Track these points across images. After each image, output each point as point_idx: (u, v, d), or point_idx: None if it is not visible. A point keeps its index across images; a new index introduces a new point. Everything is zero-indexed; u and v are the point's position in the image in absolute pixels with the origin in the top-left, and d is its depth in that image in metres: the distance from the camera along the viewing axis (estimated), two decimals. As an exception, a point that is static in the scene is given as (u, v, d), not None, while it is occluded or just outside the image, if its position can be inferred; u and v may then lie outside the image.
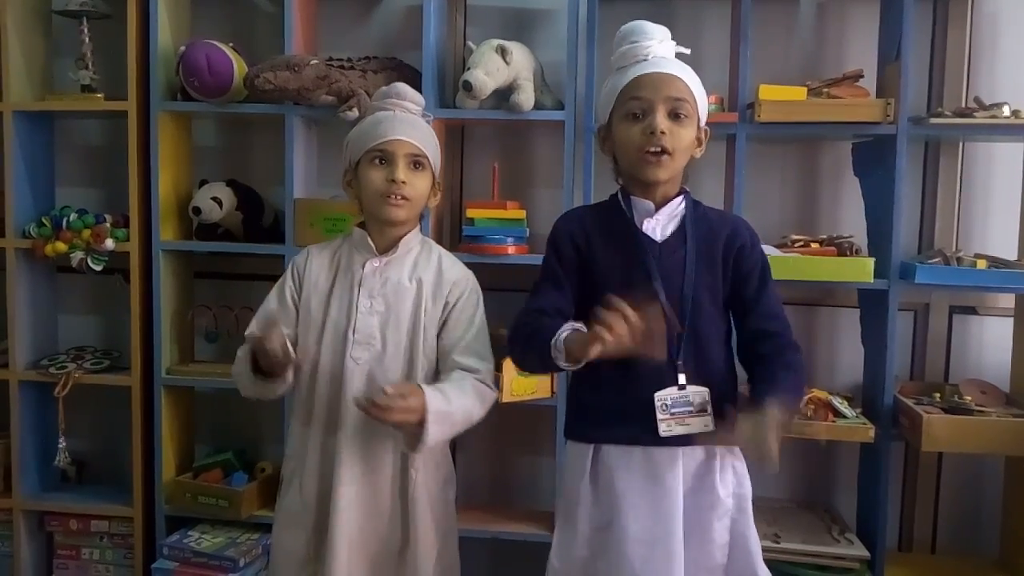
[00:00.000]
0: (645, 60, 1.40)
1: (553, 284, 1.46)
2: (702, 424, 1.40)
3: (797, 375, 1.40)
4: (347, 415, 1.55)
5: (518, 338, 1.43)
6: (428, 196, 1.63)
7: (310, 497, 1.59)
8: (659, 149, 1.36)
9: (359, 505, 1.56)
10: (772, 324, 1.43)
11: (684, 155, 1.41)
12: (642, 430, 1.39)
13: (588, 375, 1.42)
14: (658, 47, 1.41)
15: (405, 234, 1.62)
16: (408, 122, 1.59)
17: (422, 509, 1.59)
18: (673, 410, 1.39)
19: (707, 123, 1.48)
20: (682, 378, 1.39)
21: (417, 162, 1.57)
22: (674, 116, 1.38)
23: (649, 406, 1.38)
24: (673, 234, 1.43)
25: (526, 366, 1.50)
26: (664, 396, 1.39)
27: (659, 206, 1.43)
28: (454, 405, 1.50)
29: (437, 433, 1.48)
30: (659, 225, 1.43)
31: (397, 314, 1.59)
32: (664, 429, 1.38)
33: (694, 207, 1.47)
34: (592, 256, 1.44)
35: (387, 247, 1.61)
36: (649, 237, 1.42)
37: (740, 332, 1.47)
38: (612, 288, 1.36)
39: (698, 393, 1.40)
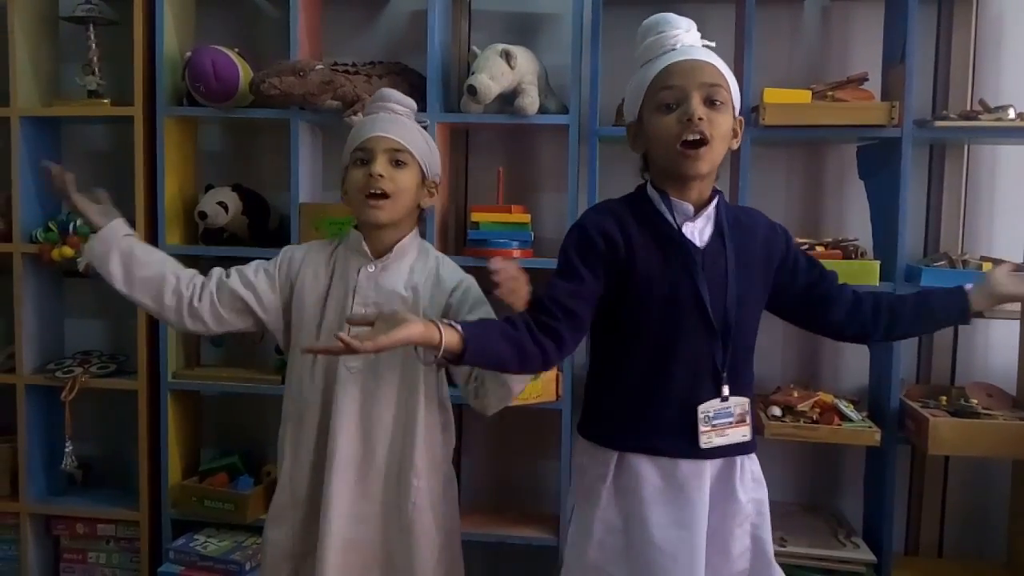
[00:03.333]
0: (673, 49, 1.33)
1: (570, 273, 1.35)
2: (740, 434, 1.37)
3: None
4: (340, 422, 1.54)
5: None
6: (415, 194, 1.58)
7: (300, 495, 1.59)
8: (698, 137, 1.29)
9: (349, 508, 1.55)
10: (851, 293, 1.48)
11: (723, 144, 1.33)
12: (677, 442, 1.35)
13: (611, 379, 1.40)
14: (685, 36, 1.34)
15: (400, 238, 1.58)
16: (389, 120, 1.57)
17: (423, 513, 1.57)
18: (715, 422, 1.35)
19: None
20: (726, 389, 1.36)
21: (398, 159, 1.54)
22: (710, 103, 1.30)
23: (684, 417, 1.35)
24: (712, 238, 1.37)
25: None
26: (707, 408, 1.35)
27: (697, 208, 1.37)
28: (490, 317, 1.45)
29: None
30: (698, 229, 1.37)
31: None
32: (704, 441, 1.34)
33: (725, 208, 1.41)
34: (631, 258, 1.35)
35: (382, 251, 1.58)
36: (692, 242, 1.36)
37: (827, 309, 1.46)
38: (656, 296, 1.34)
39: (739, 403, 1.37)
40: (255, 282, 1.58)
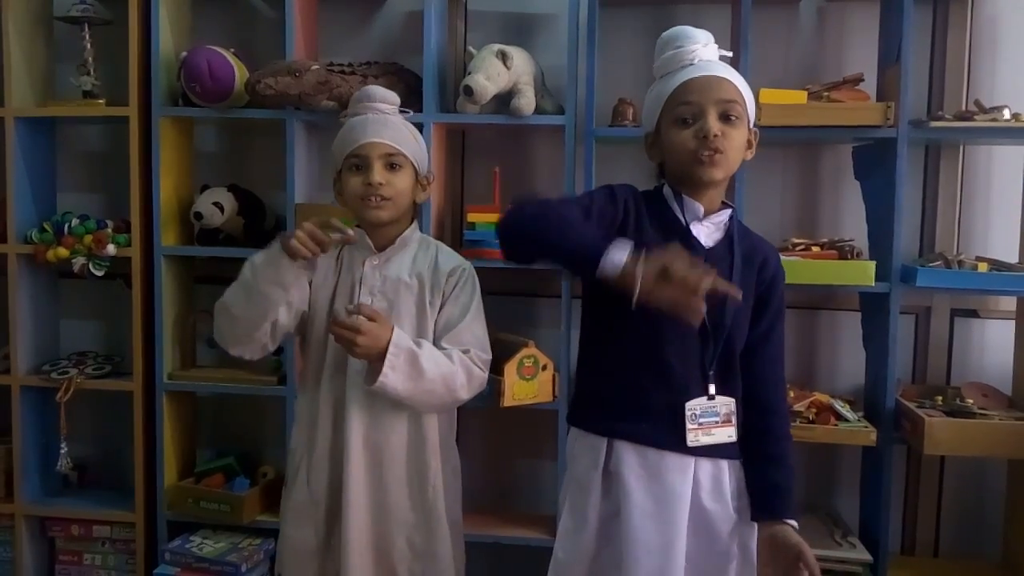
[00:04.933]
0: (691, 64, 1.37)
1: (585, 214, 1.33)
2: (726, 435, 1.39)
3: (792, 468, 1.44)
4: (353, 411, 1.56)
5: (540, 210, 1.28)
6: (412, 192, 1.63)
7: (319, 491, 1.61)
8: (712, 152, 1.34)
9: (368, 499, 1.58)
10: (772, 390, 1.44)
11: (737, 156, 1.38)
12: (664, 434, 1.37)
13: (603, 365, 1.42)
14: (703, 51, 1.38)
15: (401, 231, 1.64)
16: (380, 123, 1.59)
17: (440, 496, 1.61)
18: (701, 420, 1.37)
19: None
20: (712, 388, 1.38)
21: (393, 162, 1.58)
22: (725, 118, 1.35)
23: (672, 411, 1.37)
24: (718, 243, 1.41)
25: (530, 238, 1.29)
26: (694, 406, 1.37)
27: (706, 213, 1.41)
28: (426, 355, 1.49)
29: (399, 374, 1.46)
30: (705, 232, 1.41)
31: (399, 311, 1.60)
32: (692, 439, 1.37)
33: (739, 223, 1.45)
34: (637, 241, 1.36)
35: (385, 245, 1.64)
36: (697, 240, 1.40)
37: (742, 367, 1.43)
38: None
39: (725, 404, 1.39)
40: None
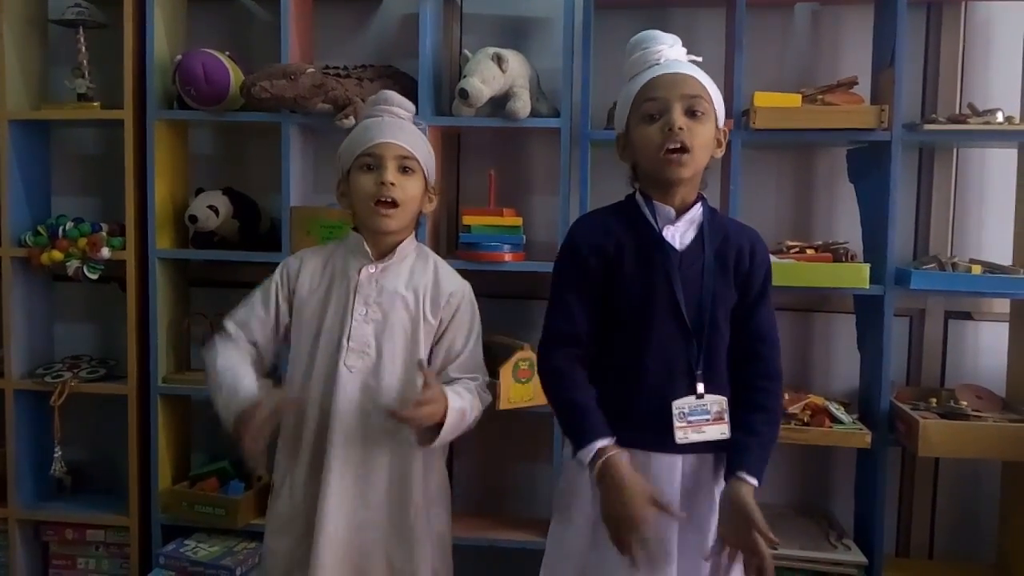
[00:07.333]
0: (657, 64, 1.41)
1: (577, 296, 1.43)
2: (719, 432, 1.40)
3: (773, 422, 1.44)
4: (339, 423, 1.54)
5: (551, 390, 1.44)
6: (421, 201, 1.61)
7: (299, 503, 1.58)
8: (678, 146, 1.35)
9: (348, 514, 1.55)
10: (762, 347, 1.45)
11: (704, 153, 1.40)
12: (650, 436, 1.39)
13: (592, 372, 1.43)
14: (669, 51, 1.42)
15: (401, 241, 1.61)
16: (396, 126, 1.58)
17: (419, 519, 1.58)
18: (690, 418, 1.39)
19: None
20: (700, 387, 1.40)
21: (406, 166, 1.56)
22: (691, 113, 1.37)
23: (658, 413, 1.38)
24: (692, 242, 1.42)
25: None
26: (682, 405, 1.39)
27: (679, 212, 1.42)
28: (468, 407, 1.54)
29: (450, 432, 1.50)
30: (679, 232, 1.42)
31: (392, 324, 1.57)
32: (680, 437, 1.38)
33: (711, 215, 1.46)
34: (620, 264, 1.42)
35: (383, 253, 1.60)
36: (671, 245, 1.42)
37: (732, 340, 1.45)
38: (634, 295, 1.39)
39: (716, 402, 1.40)
40: (268, 318, 1.63)
